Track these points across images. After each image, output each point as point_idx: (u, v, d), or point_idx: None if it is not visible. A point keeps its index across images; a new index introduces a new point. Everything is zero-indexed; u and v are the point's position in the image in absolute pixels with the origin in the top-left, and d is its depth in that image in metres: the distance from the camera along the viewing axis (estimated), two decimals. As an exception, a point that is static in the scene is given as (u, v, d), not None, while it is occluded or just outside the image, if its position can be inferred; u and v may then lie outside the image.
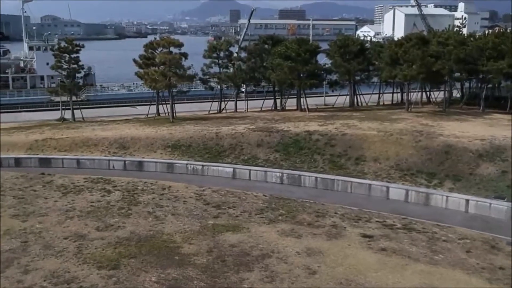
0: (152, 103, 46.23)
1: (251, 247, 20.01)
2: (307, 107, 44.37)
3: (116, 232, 21.04)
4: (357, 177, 28.22)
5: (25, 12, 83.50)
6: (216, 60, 46.18)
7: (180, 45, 40.54)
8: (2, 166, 31.86)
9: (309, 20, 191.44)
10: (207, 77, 47.32)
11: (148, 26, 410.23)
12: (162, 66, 40.59)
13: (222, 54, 46.01)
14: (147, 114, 45.76)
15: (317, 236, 21.26)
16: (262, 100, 50.34)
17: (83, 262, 18.22)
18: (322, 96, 55.88)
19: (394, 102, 51.55)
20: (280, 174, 29.24)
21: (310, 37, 76.51)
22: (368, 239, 21.08)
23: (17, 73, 75.99)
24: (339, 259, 19.11)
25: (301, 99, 45.39)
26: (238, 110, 48.40)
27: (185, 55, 40.65)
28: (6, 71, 75.74)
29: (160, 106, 45.65)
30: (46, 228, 21.21)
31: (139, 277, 17.24)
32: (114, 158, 32.12)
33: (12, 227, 20.98)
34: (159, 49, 41.91)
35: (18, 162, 32.51)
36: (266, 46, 47.83)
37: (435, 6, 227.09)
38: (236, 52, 48.24)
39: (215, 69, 46.89)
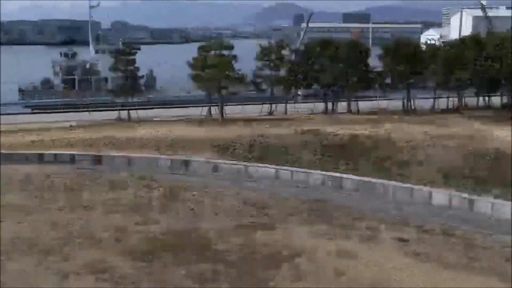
0: (204, 104, 47.41)
1: (283, 246, 20.15)
2: (358, 110, 44.13)
3: (154, 226, 21.72)
4: (400, 181, 27.78)
5: (92, 17, 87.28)
6: (268, 63, 46.77)
7: (230, 47, 41.43)
8: (59, 162, 33.53)
9: (374, 23, 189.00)
10: (259, 79, 48.03)
11: (213, 31, 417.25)
12: (213, 69, 41.59)
13: (273, 56, 46.56)
14: (200, 115, 46.92)
15: (351, 238, 21.12)
16: (313, 103, 50.47)
17: (119, 253, 18.94)
18: (376, 99, 55.23)
19: (449, 107, 50.20)
20: (322, 176, 29.20)
21: (370, 41, 75.77)
22: (403, 243, 20.74)
23: (83, 75, 79.56)
24: (370, 262, 18.94)
25: (352, 102, 45.21)
26: (289, 113, 48.69)
27: (235, 58, 41.46)
28: (73, 73, 79.54)
29: (213, 108, 46.74)
30: (90, 220, 22.17)
31: (170, 270, 17.79)
32: (162, 156, 33.13)
33: (60, 218, 22.01)
34: (212, 52, 43.01)
35: (74, 158, 34.05)
36: (317, 49, 48.04)
37: (507, 8, 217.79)
38: (287, 55, 48.64)
39: (267, 72, 47.51)
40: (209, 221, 22.38)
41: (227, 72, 41.39)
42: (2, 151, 33.94)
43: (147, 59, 77.46)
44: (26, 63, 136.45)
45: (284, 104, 49.70)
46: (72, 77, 78.39)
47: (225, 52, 42.75)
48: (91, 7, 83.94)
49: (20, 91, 77.42)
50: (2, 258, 17.54)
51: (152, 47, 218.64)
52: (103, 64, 73.33)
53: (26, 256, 17.78)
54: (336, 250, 19.47)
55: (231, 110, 46.88)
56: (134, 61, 47.76)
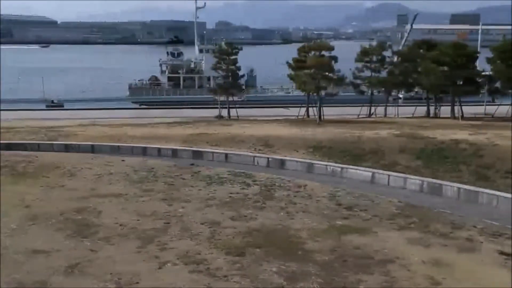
0: (302, 105, 47.64)
1: (375, 251, 19.77)
2: (461, 115, 42.21)
3: (247, 223, 22.15)
4: (505, 191, 26.22)
5: (198, 17, 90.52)
6: (368, 64, 46.07)
7: (330, 48, 41.29)
8: (161, 155, 35.20)
9: (484, 25, 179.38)
10: (358, 81, 47.44)
11: (313, 32, 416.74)
12: (312, 69, 41.73)
13: (374, 58, 45.78)
14: (297, 116, 47.21)
15: (448, 248, 20.25)
16: (415, 107, 48.98)
17: (213, 246, 19.48)
18: (483, 104, 52.50)
19: None
20: (420, 181, 28.27)
21: (478, 43, 72.15)
22: (505, 257, 19.59)
23: (187, 74, 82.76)
24: (468, 273, 18.05)
25: (456, 106, 43.32)
26: (388, 116, 47.63)
27: (335, 58, 41.29)
28: (179, 71, 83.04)
29: (311, 108, 46.85)
30: (187, 213, 22.98)
31: (261, 266, 18.03)
32: (258, 155, 33.74)
33: (159, 209, 23.02)
34: (312, 53, 43.13)
35: (174, 153, 35.62)
36: (421, 50, 46.56)
37: None
38: (389, 56, 47.62)
39: (367, 73, 46.84)
40: (301, 221, 22.44)
41: (326, 73, 41.31)
42: (111, 143, 36.34)
43: (248, 59, 78.90)
44: (136, 61, 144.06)
45: (383, 107, 48.68)
46: (177, 75, 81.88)
47: (325, 53, 42.69)
48: (198, 8, 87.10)
49: (129, 87, 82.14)
50: (102, 241, 18.77)
51: (253, 47, 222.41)
52: (207, 63, 75.87)
53: (125, 242, 18.83)
54: (431, 259, 18.75)
55: (329, 111, 46.66)
56: (235, 60, 49.02)
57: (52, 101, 76.94)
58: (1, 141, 36.27)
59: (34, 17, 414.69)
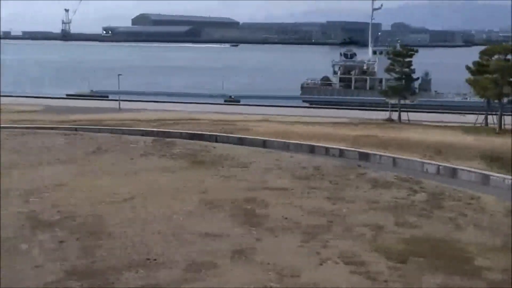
0: (481, 112, 44.72)
1: (556, 277, 17.96)
2: None
3: (412, 230, 21.46)
4: None
5: (374, 19, 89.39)
6: None
7: (517, 52, 38.08)
8: (329, 154, 35.57)
9: None
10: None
11: (499, 34, 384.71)
12: (495, 74, 38.88)
13: None
14: (474, 123, 44.39)
15: None
16: None
17: (374, 250, 19.25)
18: None
19: None
20: None
21: None
22: None
23: (359, 75, 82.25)
24: None
25: None
26: None
27: (524, 63, 38.01)
28: (351, 73, 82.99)
29: (490, 116, 43.77)
30: (350, 213, 22.99)
31: (424, 277, 17.39)
32: (428, 161, 32.38)
33: (323, 207, 23.35)
34: (495, 56, 40.19)
35: (341, 153, 35.77)
36: None
37: None
38: None
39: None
40: (471, 235, 21.12)
41: (510, 78, 38.18)
42: (282, 140, 37.77)
43: (424, 61, 75.91)
44: (310, 61, 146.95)
45: None
46: (349, 76, 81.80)
47: (511, 57, 39.45)
48: (374, 9, 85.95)
49: (302, 87, 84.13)
50: (267, 232, 19.62)
51: (431, 49, 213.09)
52: (379, 65, 74.52)
53: (289, 235, 19.50)
54: None
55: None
56: (410, 63, 47.59)
57: (230, 97, 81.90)
58: (185, 131, 39.94)
59: (218, 18, 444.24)
